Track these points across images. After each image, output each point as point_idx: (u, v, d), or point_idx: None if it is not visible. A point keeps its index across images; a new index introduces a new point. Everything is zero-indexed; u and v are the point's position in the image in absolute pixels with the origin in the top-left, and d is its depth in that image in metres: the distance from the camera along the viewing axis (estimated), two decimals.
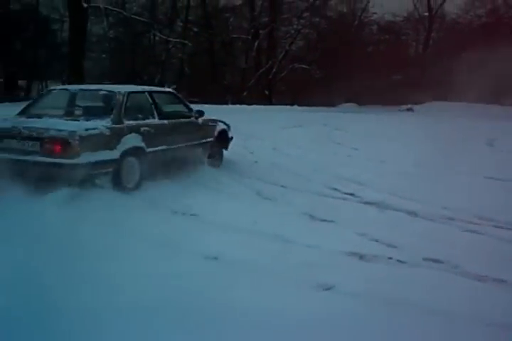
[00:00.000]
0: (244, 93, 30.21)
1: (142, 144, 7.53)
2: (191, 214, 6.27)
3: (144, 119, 7.84)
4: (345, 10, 38.42)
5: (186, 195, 7.14)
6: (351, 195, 7.70)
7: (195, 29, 32.69)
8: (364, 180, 8.72)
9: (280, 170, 9.78)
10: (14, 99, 19.94)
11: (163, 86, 30.46)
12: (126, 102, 7.54)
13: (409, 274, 4.54)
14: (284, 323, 3.53)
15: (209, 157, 9.26)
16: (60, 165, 6.42)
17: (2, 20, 23.97)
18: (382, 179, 8.99)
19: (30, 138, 6.61)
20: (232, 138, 10.20)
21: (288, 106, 29.50)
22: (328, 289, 4.16)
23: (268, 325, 3.52)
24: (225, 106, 26.31)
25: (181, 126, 8.65)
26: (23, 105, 8.39)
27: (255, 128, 17.88)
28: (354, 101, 35.24)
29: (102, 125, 6.99)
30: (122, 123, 7.30)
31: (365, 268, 4.69)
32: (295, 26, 34.26)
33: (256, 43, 32.70)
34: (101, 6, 27.15)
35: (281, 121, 21.05)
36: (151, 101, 8.16)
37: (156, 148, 7.82)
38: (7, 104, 17.83)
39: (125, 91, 7.69)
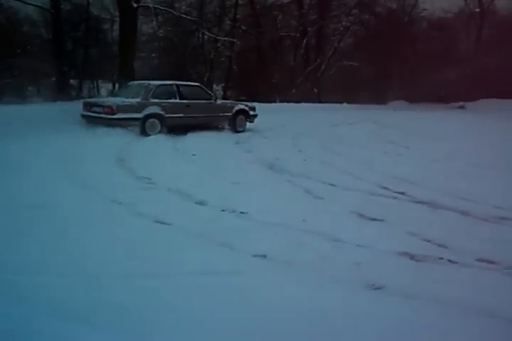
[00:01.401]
0: (293, 91, 30.09)
1: (161, 112, 13.54)
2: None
3: (166, 99, 13.87)
4: (394, 6, 37.97)
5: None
6: (402, 193, 7.60)
7: (244, 27, 32.69)
8: (415, 179, 8.59)
9: (329, 168, 9.73)
10: (66, 98, 20.26)
11: (211, 84, 30.72)
12: (154, 89, 13.71)
13: (462, 275, 4.46)
14: (333, 322, 3.52)
15: (229, 124, 15.42)
16: (109, 118, 12.88)
17: (53, 20, 24.42)
18: (434, 178, 8.85)
19: (101, 106, 13.22)
20: (256, 115, 15.96)
21: (337, 104, 29.33)
22: (378, 289, 4.12)
23: (313, 321, 3.51)
24: (273, 104, 26.27)
25: (199, 104, 14.53)
26: (75, 104, 14.49)
27: (304, 126, 17.86)
28: (404, 99, 34.78)
29: (134, 101, 13.37)
30: (148, 100, 13.47)
31: (416, 268, 4.62)
32: (344, 23, 33.97)
33: (304, 41, 32.56)
34: (150, 5, 27.36)
35: (331, 119, 20.95)
36: (175, 89, 14.22)
37: (174, 115, 13.70)
38: (59, 103, 18.12)
39: (154, 84, 14.03)
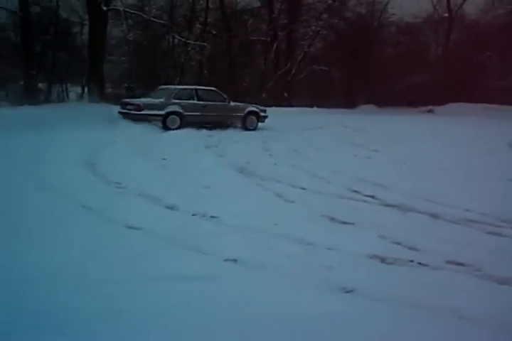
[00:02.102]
0: (263, 95, 30.13)
1: (180, 110, 16.38)
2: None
3: (186, 100, 16.73)
4: (364, 11, 38.22)
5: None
6: (372, 197, 7.65)
7: (214, 31, 32.65)
8: (385, 182, 8.66)
9: (300, 171, 9.75)
10: (34, 102, 20.04)
11: None
12: (175, 92, 16.87)
13: (432, 277, 4.49)
14: (305, 326, 3.51)
15: (241, 123, 18.00)
16: (137, 114, 15.81)
17: (22, 23, 24.16)
18: (403, 181, 8.93)
19: (132, 104, 16.26)
20: (266, 116, 18.48)
21: (307, 108, 29.44)
22: (349, 292, 4.13)
23: (287, 326, 3.50)
24: None
25: (214, 105, 17.23)
26: (43, 109, 16.71)
27: (274, 130, 17.88)
28: (374, 103, 35.05)
29: (158, 100, 16.37)
30: (169, 100, 16.36)
31: (387, 270, 4.65)
32: (314, 28, 34.10)
33: (275, 45, 32.66)
34: (120, 8, 27.26)
35: (301, 123, 21.04)
36: (194, 92, 17.19)
37: (191, 113, 16.49)
38: (26, 106, 17.92)
39: (176, 87, 17.78)
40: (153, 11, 31.46)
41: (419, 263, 4.80)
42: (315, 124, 20.90)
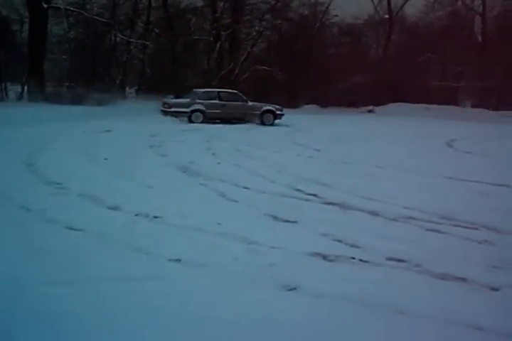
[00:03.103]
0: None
1: (203, 108, 20.33)
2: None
3: (209, 100, 20.59)
4: (306, 12, 38.54)
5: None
6: (314, 195, 7.74)
7: (157, 30, 32.43)
8: (327, 181, 8.78)
9: (243, 171, 9.79)
10: None
11: (124, 87, 30.32)
12: (199, 93, 20.96)
13: (373, 273, 4.58)
14: (249, 324, 3.53)
15: (258, 119, 21.41)
16: (168, 111, 20.46)
17: None
18: (344, 180, 9.07)
19: (166, 103, 21.01)
20: (282, 114, 21.92)
21: None
22: (292, 289, 4.17)
23: (231, 325, 3.51)
24: None
25: (232, 104, 21.07)
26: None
27: (218, 130, 17.91)
28: (316, 103, 35.41)
29: (185, 100, 20.81)
30: (194, 100, 20.50)
31: (329, 268, 4.71)
32: (257, 28, 34.21)
33: (218, 45, 32.60)
34: (61, 6, 26.82)
35: (245, 123, 21.15)
36: (216, 94, 21.13)
37: (212, 111, 20.49)
38: None
39: (201, 90, 21.41)
40: (95, 9, 31.09)
41: (361, 260, 4.88)
42: (228, 125, 21.04)
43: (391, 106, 34.09)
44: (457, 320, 3.71)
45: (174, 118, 20.09)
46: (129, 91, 31.96)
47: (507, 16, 37.80)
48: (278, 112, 21.84)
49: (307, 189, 8.12)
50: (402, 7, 40.52)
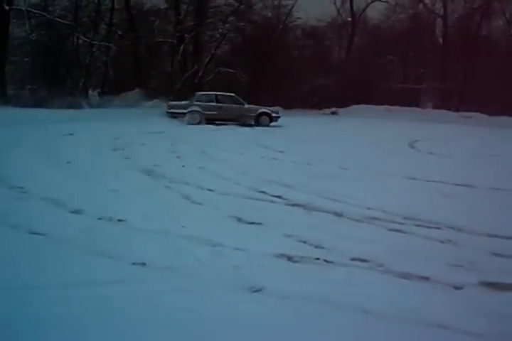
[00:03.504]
0: (171, 97, 29.96)
1: (200, 109, 21.58)
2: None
3: (206, 102, 21.91)
4: (269, 14, 38.66)
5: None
6: (279, 197, 7.77)
7: (120, 32, 32.20)
8: (291, 183, 8.82)
9: (207, 173, 9.77)
10: None
11: (87, 90, 30.03)
12: (197, 96, 22.43)
13: (337, 274, 4.61)
14: (214, 326, 3.52)
15: (254, 121, 22.35)
16: (169, 112, 22.16)
17: None
18: (308, 181, 9.12)
19: (169, 105, 22.67)
20: (278, 116, 22.82)
21: None
22: (257, 291, 4.18)
23: (196, 326, 3.51)
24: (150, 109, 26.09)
25: (229, 106, 22.22)
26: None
27: (182, 132, 17.85)
28: (279, 105, 35.50)
29: (183, 103, 22.20)
30: (192, 102, 21.88)
31: (294, 269, 4.73)
32: (220, 30, 34.16)
33: (181, 47, 32.49)
34: (23, 8, 26.47)
35: (208, 125, 21.14)
36: (214, 96, 22.41)
37: (209, 112, 21.63)
38: None
39: (200, 93, 22.91)
40: (58, 11, 30.72)
41: (325, 261, 4.92)
42: (222, 126, 21.07)
43: (354, 107, 34.37)
44: (421, 319, 3.75)
45: (174, 119, 21.74)
46: (92, 93, 31.65)
47: (468, 19, 38.44)
48: (274, 115, 22.85)
49: (271, 191, 8.15)
50: (364, 10, 40.94)
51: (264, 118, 22.69)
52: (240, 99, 22.94)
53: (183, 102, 22.35)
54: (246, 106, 22.79)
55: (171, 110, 22.13)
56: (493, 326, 3.70)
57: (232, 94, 23.09)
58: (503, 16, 38.64)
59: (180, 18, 32.77)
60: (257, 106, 23.20)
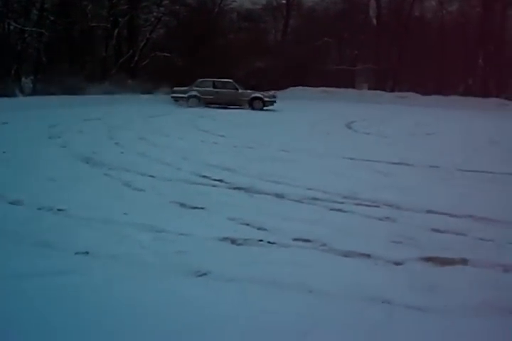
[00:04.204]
0: (106, 82, 29.43)
1: (198, 94, 24.28)
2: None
3: (204, 88, 24.48)
4: None
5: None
6: (220, 181, 7.80)
7: (52, 17, 31.34)
8: (232, 166, 8.86)
9: (147, 159, 9.71)
10: None
11: (19, 77, 29.21)
12: (196, 82, 24.74)
13: (281, 255, 4.68)
14: (161, 313, 3.53)
15: (248, 104, 24.20)
16: (172, 96, 25.10)
17: None
18: (249, 164, 9.18)
19: (172, 90, 25.39)
20: (272, 101, 24.45)
21: (151, 95, 29.16)
22: (203, 275, 4.21)
23: (142, 314, 3.51)
24: (86, 96, 25.61)
25: (224, 91, 24.36)
26: None
27: (120, 119, 17.63)
28: None
29: (184, 88, 24.67)
30: (191, 88, 24.51)
31: (238, 251, 4.78)
32: (155, 14, 33.73)
33: (116, 31, 31.93)
34: None
35: (146, 111, 20.91)
36: (211, 82, 24.74)
37: (207, 97, 24.23)
38: None
39: (199, 80, 24.85)
40: None
41: (268, 242, 4.98)
42: (160, 111, 20.88)
43: (291, 90, 34.53)
44: (364, 295, 3.85)
45: (176, 102, 24.44)
46: (25, 81, 30.80)
47: (400, 0, 39.03)
48: (266, 99, 24.44)
49: (213, 175, 8.17)
50: None
51: (257, 102, 24.27)
52: (236, 85, 24.79)
53: (184, 88, 24.59)
54: (240, 91, 24.61)
55: (174, 95, 24.72)
56: (434, 299, 3.83)
57: (229, 80, 24.95)
58: None
59: (114, 1, 32.15)
60: (250, 91, 24.93)
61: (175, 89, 25.10)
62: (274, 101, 24.54)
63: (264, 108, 24.21)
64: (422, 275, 4.30)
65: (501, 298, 3.86)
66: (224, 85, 24.74)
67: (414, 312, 3.67)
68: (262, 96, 24.60)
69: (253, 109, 24.07)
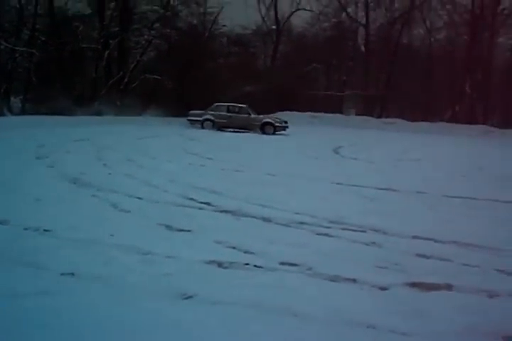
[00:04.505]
0: (96, 103, 29.50)
1: (212, 118, 25.53)
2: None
3: (218, 112, 25.65)
4: (195, 21, 38.66)
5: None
6: (207, 204, 7.81)
7: (43, 38, 31.49)
8: (220, 189, 8.88)
9: (135, 181, 9.70)
10: None
11: (9, 97, 29.22)
12: (211, 107, 25.94)
13: (267, 278, 4.68)
14: (145, 335, 3.52)
15: (260, 129, 25.04)
16: (187, 119, 26.36)
17: None
18: (237, 187, 9.20)
19: (189, 114, 26.61)
20: (283, 126, 25.19)
21: (141, 117, 29.26)
22: (189, 298, 4.20)
23: (126, 337, 3.50)
24: (75, 117, 25.65)
25: (239, 117, 25.47)
26: None
27: (109, 139, 17.64)
28: None
29: (199, 112, 26.02)
30: (206, 112, 25.73)
31: (224, 275, 4.78)
32: (146, 37, 34.00)
33: (106, 53, 32.10)
34: None
35: (135, 133, 20.96)
36: (226, 107, 25.95)
37: (220, 120, 25.48)
38: None
39: (215, 104, 26.08)
40: None
41: (255, 266, 4.99)
42: (149, 133, 20.90)
43: (279, 114, 34.69)
44: (350, 320, 3.86)
45: (191, 125, 25.73)
46: (14, 100, 30.81)
47: (389, 27, 39.57)
48: (277, 124, 25.27)
49: (200, 197, 8.18)
50: (288, 18, 41.59)
51: (268, 127, 25.15)
52: (249, 110, 25.84)
53: (200, 111, 25.85)
54: (252, 116, 25.67)
55: (190, 117, 25.99)
56: (419, 324, 3.84)
57: (243, 106, 25.95)
58: (423, 24, 39.93)
59: (105, 23, 32.39)
60: (262, 116, 26.10)
61: (191, 112, 26.22)
62: (286, 127, 25.21)
63: (276, 133, 24.96)
64: (407, 300, 4.32)
65: (486, 323, 3.88)
66: (238, 110, 25.73)
67: (399, 337, 3.68)
68: (273, 122, 25.39)
69: (264, 133, 24.81)
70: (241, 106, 25.92)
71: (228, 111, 25.73)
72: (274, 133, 24.78)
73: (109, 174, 10.43)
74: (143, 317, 3.80)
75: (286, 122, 25.52)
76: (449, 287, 4.62)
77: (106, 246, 5.43)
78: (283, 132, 25.06)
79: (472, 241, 6.06)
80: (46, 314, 3.78)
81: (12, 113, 26.65)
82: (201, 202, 7.89)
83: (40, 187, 8.63)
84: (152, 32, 34.16)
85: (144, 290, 4.31)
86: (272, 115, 28.00)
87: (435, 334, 3.72)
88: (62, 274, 4.60)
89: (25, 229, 6.02)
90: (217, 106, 25.95)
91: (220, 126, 25.36)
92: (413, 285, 4.65)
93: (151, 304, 4.05)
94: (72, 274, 4.61)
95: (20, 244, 5.38)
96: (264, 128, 25.16)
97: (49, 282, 4.42)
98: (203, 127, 25.32)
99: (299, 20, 41.78)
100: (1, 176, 9.64)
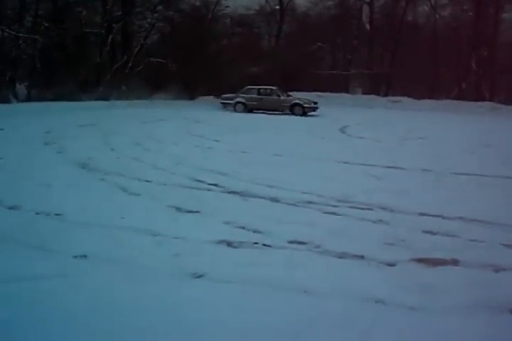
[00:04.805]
0: (101, 88, 29.47)
1: (244, 101, 26.25)
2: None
3: (249, 94, 26.40)
4: (198, 3, 38.43)
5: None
6: (215, 185, 7.87)
7: (46, 24, 31.37)
8: (227, 171, 8.93)
9: (143, 164, 9.76)
10: None
11: (14, 83, 29.22)
12: (243, 90, 26.78)
13: (276, 257, 4.76)
14: (159, 314, 3.60)
15: (289, 110, 25.39)
16: (221, 102, 27.47)
17: None
18: (244, 169, 9.24)
19: (222, 97, 27.91)
20: (312, 107, 25.33)
21: (146, 101, 29.23)
22: (200, 277, 4.27)
23: (141, 315, 3.57)
24: (81, 102, 25.67)
25: (269, 99, 26.01)
26: None
27: (114, 124, 17.67)
28: (212, 94, 35.48)
29: (231, 95, 26.92)
30: (238, 94, 26.63)
31: (234, 254, 4.85)
32: (149, 20, 33.81)
33: (110, 37, 31.99)
34: None
35: (140, 116, 20.95)
36: (256, 90, 26.54)
37: (251, 103, 26.13)
38: None
39: (246, 87, 26.84)
40: None
41: (264, 245, 5.06)
42: (155, 117, 20.91)
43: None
44: (358, 296, 3.93)
45: (224, 107, 26.70)
46: (19, 87, 30.81)
47: (393, 4, 39.23)
48: (306, 106, 25.44)
49: (208, 179, 8.24)
50: None
51: (298, 109, 25.37)
52: (279, 92, 26.32)
53: (232, 95, 26.81)
54: (282, 97, 26.06)
55: (223, 101, 27.08)
56: (427, 299, 3.91)
57: (274, 88, 26.51)
58: (428, 1, 39.52)
59: (108, 7, 32.22)
60: (292, 98, 26.35)
61: (223, 96, 27.37)
62: (316, 108, 25.39)
63: (308, 114, 25.11)
64: (414, 275, 4.38)
65: (492, 297, 3.94)
66: (268, 92, 26.31)
67: (407, 311, 3.75)
68: (302, 103, 25.61)
69: (293, 114, 25.11)
70: (271, 89, 26.48)
71: (259, 93, 26.39)
72: (304, 115, 25.00)
73: (117, 158, 10.48)
74: (155, 296, 3.88)
75: (316, 103, 25.74)
76: (455, 262, 4.68)
77: (117, 228, 5.52)
78: (313, 113, 25.31)
79: (479, 217, 6.10)
80: (61, 295, 3.86)
81: (18, 100, 26.66)
82: (209, 184, 7.95)
83: (49, 173, 8.72)
84: (155, 15, 33.95)
85: (155, 270, 4.39)
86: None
87: (443, 308, 3.78)
88: (75, 257, 4.68)
89: (37, 213, 6.11)
90: (248, 88, 26.70)
91: (251, 109, 26.06)
92: (420, 260, 4.71)
93: (162, 284, 4.13)
94: (85, 256, 4.70)
95: (33, 229, 5.47)
96: (294, 110, 25.40)
97: (62, 265, 4.50)
98: (235, 110, 26.07)
99: (303, 0, 41.45)
100: (11, 162, 9.73)
